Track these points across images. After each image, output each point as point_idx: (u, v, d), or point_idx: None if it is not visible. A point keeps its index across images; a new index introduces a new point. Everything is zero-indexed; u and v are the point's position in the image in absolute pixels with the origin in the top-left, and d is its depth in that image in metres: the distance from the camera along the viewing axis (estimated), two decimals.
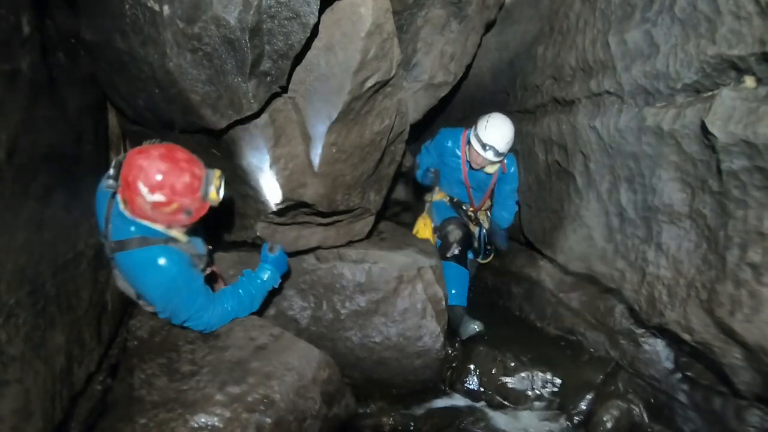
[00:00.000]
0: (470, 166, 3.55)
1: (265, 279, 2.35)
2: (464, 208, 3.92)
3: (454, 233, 3.56)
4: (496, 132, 3.23)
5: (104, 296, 2.30)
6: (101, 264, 2.26)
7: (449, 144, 3.60)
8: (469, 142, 3.42)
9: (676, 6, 2.00)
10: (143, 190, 1.88)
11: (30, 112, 1.91)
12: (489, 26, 3.00)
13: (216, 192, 1.98)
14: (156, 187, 1.88)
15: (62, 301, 2.03)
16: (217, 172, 1.97)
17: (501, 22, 3.12)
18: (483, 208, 3.97)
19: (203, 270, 2.24)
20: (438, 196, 3.96)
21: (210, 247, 2.81)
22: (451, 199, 3.93)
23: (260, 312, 2.53)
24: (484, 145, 3.26)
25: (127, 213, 2.01)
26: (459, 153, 3.58)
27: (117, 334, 2.42)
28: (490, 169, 3.50)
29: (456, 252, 3.49)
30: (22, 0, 1.90)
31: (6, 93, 1.80)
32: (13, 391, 1.73)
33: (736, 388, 2.15)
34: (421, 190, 4.23)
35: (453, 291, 3.27)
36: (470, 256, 3.79)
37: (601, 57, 2.39)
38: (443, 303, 2.77)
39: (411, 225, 3.72)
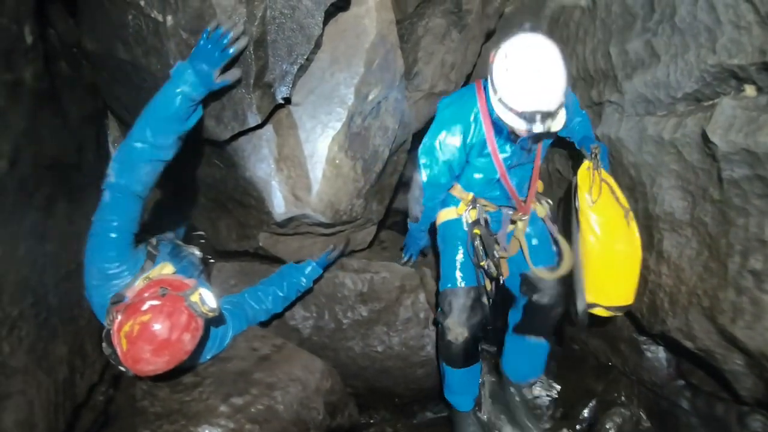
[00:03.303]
0: (511, 140, 2.17)
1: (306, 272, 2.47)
2: (497, 242, 2.43)
3: (456, 329, 2.35)
4: (535, 84, 1.86)
5: None
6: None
7: (461, 131, 2.17)
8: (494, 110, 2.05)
9: (677, 16, 2.02)
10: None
11: (32, 122, 1.91)
12: (489, 35, 3.01)
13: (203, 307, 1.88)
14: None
15: (64, 312, 2.02)
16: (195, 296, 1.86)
17: (501, 31, 3.12)
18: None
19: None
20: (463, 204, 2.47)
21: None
22: (476, 222, 2.39)
23: (263, 324, 2.52)
24: (523, 115, 1.92)
25: None
26: (485, 139, 2.17)
27: None
28: (557, 125, 2.05)
29: (461, 357, 2.40)
30: (24, 10, 1.91)
31: (9, 103, 1.80)
32: (16, 403, 1.73)
33: (738, 394, 2.16)
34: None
35: (458, 397, 2.55)
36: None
37: (602, 66, 2.41)
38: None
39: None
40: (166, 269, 2.04)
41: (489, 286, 2.45)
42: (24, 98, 1.89)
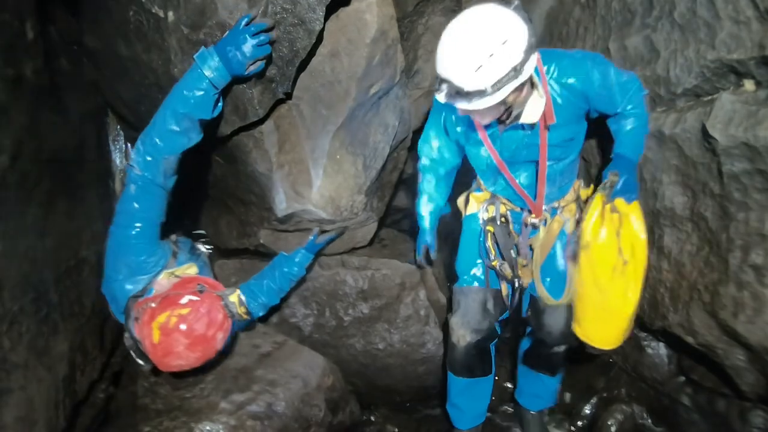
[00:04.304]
0: (494, 126, 1.99)
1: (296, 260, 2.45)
2: (517, 246, 2.25)
3: (459, 330, 2.22)
4: (446, 51, 1.64)
5: (107, 304, 2.28)
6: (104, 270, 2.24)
7: (449, 110, 2.07)
8: None
9: (676, 12, 2.03)
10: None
11: (33, 118, 1.91)
12: None
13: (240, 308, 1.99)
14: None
15: (65, 309, 2.01)
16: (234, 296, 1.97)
17: None
18: (558, 205, 2.20)
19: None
20: (476, 201, 2.35)
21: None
22: (492, 219, 2.26)
23: (263, 319, 2.52)
24: (437, 81, 1.71)
25: None
26: (472, 123, 2.01)
27: (119, 342, 2.40)
28: (530, 116, 1.86)
29: (462, 362, 2.27)
30: (26, 6, 1.91)
31: (10, 98, 1.80)
32: (16, 399, 1.72)
33: (739, 390, 2.15)
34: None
35: (456, 411, 2.44)
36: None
37: None
38: (446, 309, 2.77)
39: (412, 232, 3.31)
40: (191, 269, 2.10)
41: (505, 290, 2.28)
42: (25, 94, 1.89)
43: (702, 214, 2.11)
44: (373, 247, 2.85)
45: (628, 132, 2.04)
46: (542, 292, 2.19)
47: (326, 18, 1.86)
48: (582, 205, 2.23)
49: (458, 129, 2.11)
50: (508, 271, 2.23)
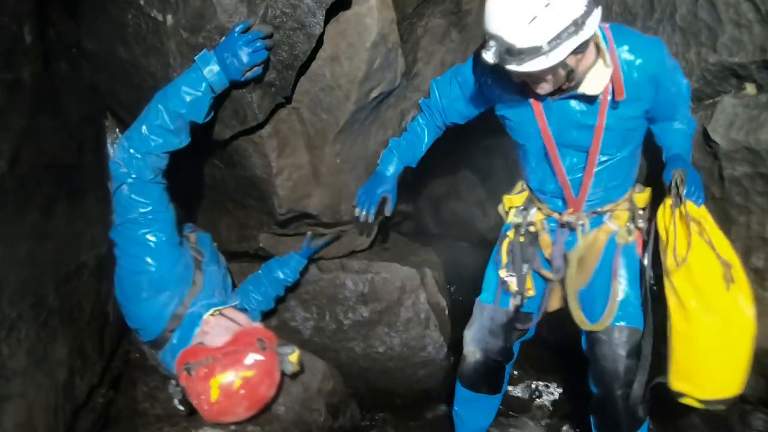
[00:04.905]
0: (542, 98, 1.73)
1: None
2: (550, 261, 2.04)
3: (469, 346, 2.12)
4: (506, 4, 1.42)
5: (106, 308, 2.28)
6: (103, 275, 2.23)
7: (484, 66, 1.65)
8: None
9: (677, 15, 2.03)
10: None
11: (32, 122, 1.90)
12: None
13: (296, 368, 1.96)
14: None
15: (64, 314, 2.00)
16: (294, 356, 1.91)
17: None
18: (603, 211, 1.95)
19: None
20: (512, 204, 2.13)
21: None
22: (518, 226, 2.06)
23: (263, 323, 2.51)
24: (485, 38, 1.49)
25: None
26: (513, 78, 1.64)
27: (119, 346, 2.39)
28: (593, 87, 1.63)
29: (469, 375, 2.15)
30: (24, 9, 1.89)
31: (8, 102, 1.79)
32: (15, 406, 1.71)
33: None
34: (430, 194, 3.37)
35: (458, 420, 2.33)
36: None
37: None
38: (446, 312, 2.77)
39: (412, 235, 3.34)
40: (239, 316, 2.04)
41: (513, 302, 2.07)
42: (23, 98, 1.88)
43: None
44: (373, 250, 2.84)
45: (678, 132, 1.87)
46: (577, 313, 1.94)
47: (326, 22, 1.85)
48: (638, 214, 1.96)
49: (498, 91, 1.83)
50: (513, 284, 2.03)
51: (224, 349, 1.80)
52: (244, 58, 1.76)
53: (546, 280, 2.07)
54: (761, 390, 2.10)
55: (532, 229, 2.04)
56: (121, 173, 1.80)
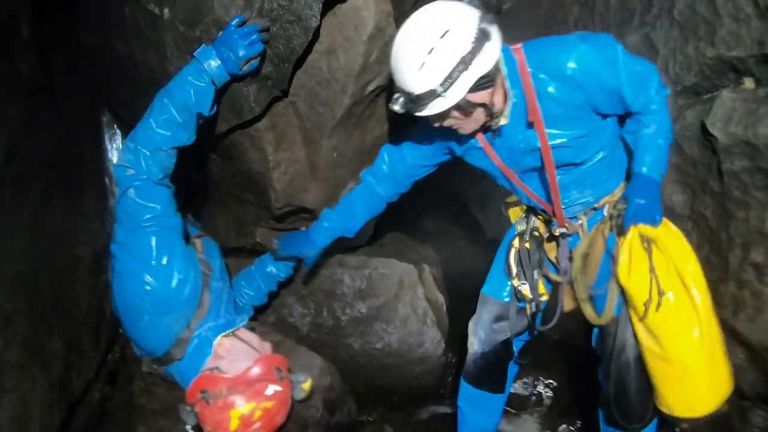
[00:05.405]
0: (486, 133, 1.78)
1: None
2: (557, 265, 2.04)
3: (471, 337, 2.14)
4: (396, 56, 1.54)
5: (102, 303, 2.27)
6: (100, 270, 2.23)
7: None
8: None
9: (675, 9, 2.03)
10: None
11: (29, 116, 1.90)
12: None
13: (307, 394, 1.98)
14: None
15: (60, 308, 2.00)
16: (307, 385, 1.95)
17: (498, 28, 3.12)
18: (602, 205, 1.90)
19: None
20: (516, 213, 2.20)
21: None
22: (522, 233, 2.06)
23: (260, 319, 2.51)
24: (395, 92, 1.58)
25: None
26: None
27: (115, 341, 2.38)
28: (506, 116, 1.66)
29: (469, 368, 2.16)
30: (21, 3, 1.89)
31: (5, 96, 1.78)
32: (10, 399, 1.70)
33: (739, 389, 2.13)
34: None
35: (466, 421, 2.26)
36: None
37: None
38: (444, 308, 2.76)
39: (410, 231, 3.30)
40: (249, 336, 1.99)
41: (530, 309, 2.06)
42: (20, 92, 1.87)
43: (702, 213, 2.10)
44: (371, 246, 2.84)
45: (647, 143, 1.73)
46: (587, 310, 1.95)
47: (323, 15, 1.84)
48: None
49: (446, 138, 1.86)
50: (526, 291, 2.03)
51: (244, 378, 1.79)
52: (241, 52, 1.76)
53: (554, 282, 2.06)
54: (760, 386, 2.09)
55: (536, 233, 2.04)
56: (127, 177, 1.75)
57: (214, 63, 1.78)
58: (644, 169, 1.72)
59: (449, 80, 1.46)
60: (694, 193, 2.12)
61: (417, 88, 1.50)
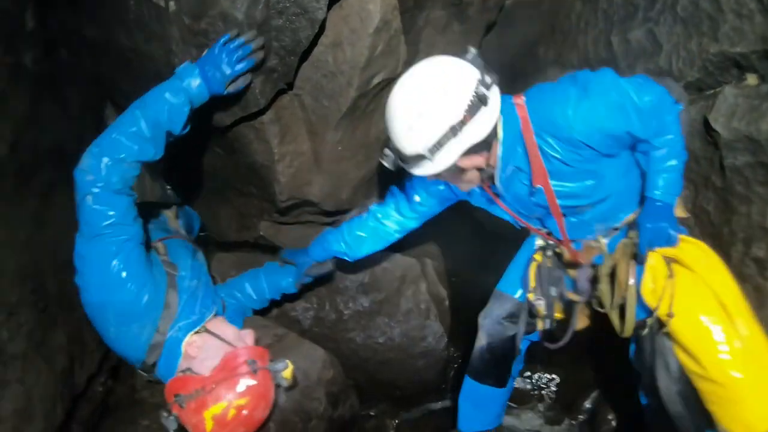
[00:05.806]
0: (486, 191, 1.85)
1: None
2: (577, 286, 1.98)
3: (479, 330, 2.14)
4: (390, 119, 1.51)
5: None
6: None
7: None
8: None
9: (679, 5, 2.03)
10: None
11: (33, 108, 1.90)
12: (489, 28, 3.02)
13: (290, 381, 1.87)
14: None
15: (63, 300, 2.00)
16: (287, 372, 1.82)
17: (501, 24, 3.13)
18: (618, 226, 1.91)
19: None
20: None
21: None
22: (543, 248, 2.04)
23: (263, 312, 2.51)
24: (383, 150, 1.60)
25: None
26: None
27: None
28: (427, 170, 1.55)
29: (475, 360, 2.18)
30: None
31: (9, 87, 1.78)
32: (14, 392, 1.71)
33: None
34: None
35: (465, 415, 2.29)
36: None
37: (603, 56, 2.41)
38: (446, 303, 2.76)
39: None
40: (222, 324, 1.93)
41: (541, 324, 2.08)
42: (25, 83, 1.88)
43: (704, 208, 2.11)
44: None
45: (660, 165, 1.69)
46: (617, 324, 1.91)
47: (329, 7, 1.85)
48: None
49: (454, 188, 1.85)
50: (541, 308, 2.03)
51: (214, 378, 1.70)
52: (227, 70, 1.74)
53: (571, 300, 2.05)
54: None
55: (557, 249, 2.00)
56: (86, 182, 1.65)
57: (195, 82, 1.73)
58: (657, 193, 1.70)
59: (437, 146, 1.42)
60: (696, 188, 2.13)
61: (406, 148, 1.47)
